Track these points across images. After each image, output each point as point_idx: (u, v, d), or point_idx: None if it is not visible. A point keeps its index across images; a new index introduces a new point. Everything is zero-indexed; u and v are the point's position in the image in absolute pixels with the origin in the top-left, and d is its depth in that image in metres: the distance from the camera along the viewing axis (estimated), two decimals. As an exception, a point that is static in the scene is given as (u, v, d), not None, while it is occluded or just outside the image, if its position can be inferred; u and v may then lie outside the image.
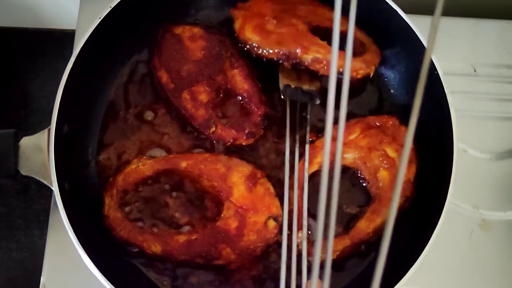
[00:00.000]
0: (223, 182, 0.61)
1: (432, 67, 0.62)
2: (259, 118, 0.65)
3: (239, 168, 0.62)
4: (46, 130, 0.57)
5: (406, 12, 0.64)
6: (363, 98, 0.70)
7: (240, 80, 0.66)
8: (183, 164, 0.62)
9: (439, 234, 0.57)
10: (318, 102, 0.66)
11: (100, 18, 0.60)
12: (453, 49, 0.78)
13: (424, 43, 0.62)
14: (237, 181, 0.62)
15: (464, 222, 0.71)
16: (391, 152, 0.64)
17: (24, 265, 0.86)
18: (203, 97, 0.64)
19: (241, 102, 0.66)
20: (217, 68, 0.65)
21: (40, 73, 0.95)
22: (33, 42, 0.96)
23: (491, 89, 0.77)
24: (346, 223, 0.64)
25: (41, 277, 0.66)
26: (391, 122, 0.65)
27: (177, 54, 0.65)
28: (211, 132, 0.64)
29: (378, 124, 0.65)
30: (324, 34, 0.64)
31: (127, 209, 0.62)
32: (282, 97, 0.66)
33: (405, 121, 0.66)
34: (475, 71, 0.78)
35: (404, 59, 0.68)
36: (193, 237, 0.60)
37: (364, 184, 0.65)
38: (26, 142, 0.57)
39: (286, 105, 0.66)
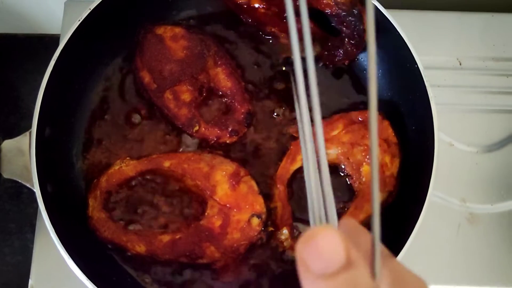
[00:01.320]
0: (207, 181, 0.62)
1: (412, 60, 0.62)
2: (242, 116, 0.65)
3: (222, 167, 0.62)
4: (27, 133, 0.58)
5: (385, 7, 0.64)
6: (344, 93, 0.70)
7: (223, 78, 0.66)
8: (166, 164, 0.62)
9: (426, 228, 0.57)
10: (320, 64, 0.68)
11: (79, 20, 0.61)
12: (438, 42, 0.78)
13: (405, 39, 0.62)
14: (220, 179, 0.62)
15: (452, 216, 0.71)
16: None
17: (17, 269, 0.86)
18: (186, 97, 0.65)
19: (224, 100, 0.67)
20: (199, 67, 0.66)
21: (30, 78, 0.95)
22: (23, 48, 0.97)
23: (477, 82, 0.77)
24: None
25: (29, 280, 0.67)
26: None
27: (159, 54, 0.66)
28: (194, 131, 0.64)
29: (360, 119, 0.65)
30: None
31: (110, 209, 0.62)
32: (284, 68, 0.67)
33: (387, 116, 0.65)
34: (460, 64, 0.78)
35: (385, 55, 0.67)
36: (177, 237, 0.60)
37: (347, 180, 0.65)
38: (7, 145, 0.58)
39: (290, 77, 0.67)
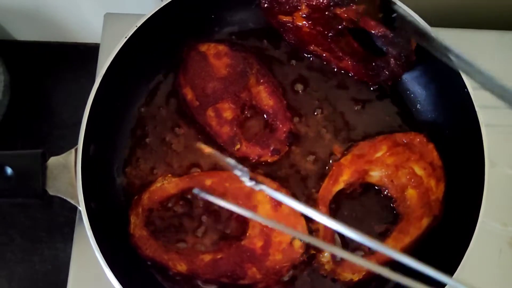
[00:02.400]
0: (248, 201, 0.61)
1: (461, 82, 0.61)
2: (284, 135, 0.65)
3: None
4: (73, 150, 0.58)
5: (432, 25, 0.62)
6: (388, 114, 0.69)
7: (265, 97, 0.65)
8: (208, 182, 0.62)
9: (468, 253, 0.56)
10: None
11: (126, 37, 0.60)
12: (482, 62, 0.76)
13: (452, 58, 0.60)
14: (262, 199, 0.61)
15: (493, 240, 0.70)
16: (418, 170, 0.63)
17: (47, 278, 0.86)
18: (228, 114, 0.64)
19: (266, 119, 0.66)
20: (241, 85, 0.65)
21: (64, 87, 0.96)
22: (57, 56, 0.97)
23: (520, 103, 0.75)
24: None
25: (66, 293, 0.67)
26: (418, 139, 0.64)
27: (202, 71, 0.65)
28: (235, 149, 0.64)
29: (405, 141, 0.64)
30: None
31: (152, 227, 0.61)
32: None
33: (432, 138, 0.64)
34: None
35: (432, 75, 0.66)
36: (219, 256, 0.59)
37: (391, 203, 0.64)
38: (53, 162, 0.58)
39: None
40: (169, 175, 0.63)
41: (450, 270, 0.55)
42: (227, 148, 0.64)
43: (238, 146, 0.64)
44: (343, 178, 0.63)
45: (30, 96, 0.95)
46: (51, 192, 0.57)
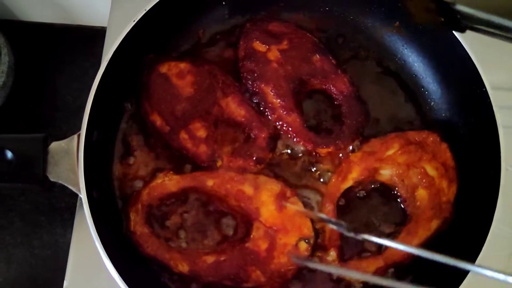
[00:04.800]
0: (251, 203, 0.59)
1: (480, 82, 0.58)
2: (264, 142, 0.62)
3: (267, 187, 0.60)
4: (75, 136, 0.56)
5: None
6: (400, 111, 0.67)
7: (235, 107, 0.62)
8: (210, 183, 0.60)
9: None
10: None
11: (134, 21, 0.59)
12: (501, 62, 0.74)
13: (472, 58, 0.58)
14: (266, 200, 0.59)
15: (503, 245, 0.68)
16: (430, 170, 0.61)
17: (46, 263, 0.85)
18: (202, 133, 0.61)
19: (242, 129, 0.63)
20: (211, 100, 0.62)
21: (68, 69, 0.93)
22: (62, 38, 0.95)
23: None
24: (379, 244, 0.61)
25: (64, 281, 0.65)
26: (431, 139, 0.62)
27: (167, 94, 0.62)
28: (218, 166, 0.61)
29: (418, 140, 0.62)
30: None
31: (153, 224, 0.60)
32: None
33: (446, 138, 0.62)
34: (524, 85, 0.74)
35: (449, 72, 0.64)
36: (222, 258, 0.58)
37: (400, 203, 0.62)
38: (55, 147, 0.56)
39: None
40: (171, 172, 0.61)
41: (460, 275, 0.54)
42: (209, 166, 0.61)
43: (220, 163, 0.61)
44: (352, 175, 0.61)
45: (34, 78, 0.93)
46: (52, 178, 0.55)
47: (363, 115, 0.64)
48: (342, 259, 0.60)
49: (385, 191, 0.63)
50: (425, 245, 0.60)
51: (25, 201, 0.87)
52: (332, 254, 0.60)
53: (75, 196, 0.68)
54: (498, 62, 0.73)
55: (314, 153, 0.63)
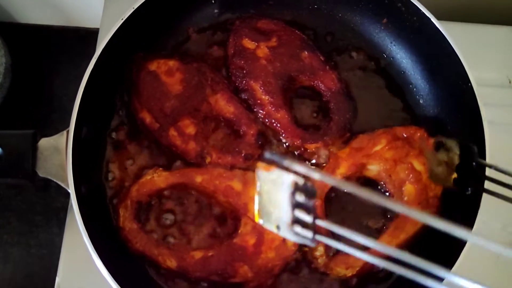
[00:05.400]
0: (239, 198, 0.59)
1: (465, 77, 0.59)
2: (253, 138, 0.62)
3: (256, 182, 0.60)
4: (64, 132, 0.57)
5: (439, 19, 0.61)
6: (388, 107, 0.67)
7: (224, 104, 0.63)
8: (198, 179, 0.60)
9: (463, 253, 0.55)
10: None
11: (122, 19, 0.60)
12: (487, 58, 0.74)
13: (458, 54, 0.59)
14: (254, 196, 0.60)
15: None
16: (418, 166, 0.61)
17: (42, 262, 0.86)
18: (191, 130, 0.61)
19: (231, 126, 0.63)
20: (200, 97, 0.62)
21: (64, 71, 0.95)
22: (58, 40, 0.96)
23: (526, 102, 0.74)
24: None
25: (56, 278, 0.66)
26: (418, 134, 0.62)
27: (156, 92, 0.62)
28: (207, 163, 0.61)
29: (405, 135, 0.63)
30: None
31: (142, 220, 0.60)
32: None
33: (434, 134, 0.63)
34: (510, 82, 0.74)
35: (436, 68, 0.65)
36: (209, 254, 0.58)
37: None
38: (44, 143, 0.57)
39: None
40: (160, 168, 0.61)
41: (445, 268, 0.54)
42: (198, 163, 0.61)
43: (208, 159, 0.61)
44: (340, 171, 0.62)
45: (31, 79, 0.94)
46: (41, 174, 0.56)
47: (351, 112, 0.64)
48: (330, 254, 0.60)
49: (373, 187, 0.63)
50: (413, 239, 0.60)
51: (22, 200, 0.88)
52: (320, 249, 0.60)
53: (69, 196, 0.68)
54: (484, 59, 0.74)
55: (302, 149, 0.63)
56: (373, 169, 0.62)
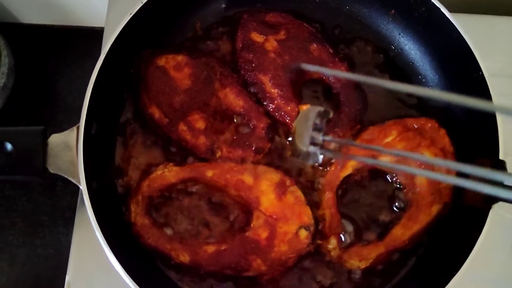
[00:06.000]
0: (251, 192, 0.59)
1: (477, 67, 0.59)
2: (263, 131, 0.62)
3: (267, 176, 0.60)
4: (74, 128, 0.56)
5: (451, 11, 0.61)
6: (398, 98, 0.67)
7: (233, 98, 0.62)
8: (209, 174, 0.60)
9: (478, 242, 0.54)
10: None
11: (131, 14, 0.59)
12: (497, 49, 0.74)
13: (469, 44, 0.59)
14: (266, 189, 0.59)
15: (506, 233, 0.68)
16: (429, 156, 0.61)
17: (49, 262, 0.85)
18: (201, 125, 0.61)
19: (241, 120, 0.63)
20: (209, 92, 0.62)
21: (68, 70, 0.94)
22: (62, 40, 0.96)
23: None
24: (381, 229, 0.61)
25: (66, 276, 0.66)
26: (429, 125, 0.62)
27: (165, 87, 0.62)
28: (217, 157, 0.61)
29: (416, 126, 0.62)
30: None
31: (154, 215, 0.60)
32: None
33: (445, 124, 0.62)
34: (520, 72, 0.74)
35: (445, 59, 0.64)
36: (222, 248, 0.58)
37: (400, 190, 0.62)
38: (54, 139, 0.56)
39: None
40: (171, 163, 0.61)
41: (460, 259, 0.53)
42: (208, 158, 0.61)
43: (219, 154, 0.61)
44: (351, 163, 0.62)
45: (34, 79, 0.94)
46: (52, 170, 0.56)
47: (361, 103, 0.64)
48: (342, 247, 0.60)
49: (385, 178, 0.63)
50: (427, 229, 0.60)
51: (27, 201, 0.87)
52: (333, 242, 0.60)
53: (76, 195, 0.68)
54: (495, 49, 0.73)
55: None
56: (388, 158, 0.62)
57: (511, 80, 0.72)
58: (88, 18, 0.93)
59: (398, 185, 0.63)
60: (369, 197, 0.62)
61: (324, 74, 0.65)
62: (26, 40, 0.95)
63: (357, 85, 0.65)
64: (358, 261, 0.59)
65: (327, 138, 0.51)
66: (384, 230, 0.61)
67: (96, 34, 0.94)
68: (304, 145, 0.50)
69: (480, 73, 0.58)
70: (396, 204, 0.62)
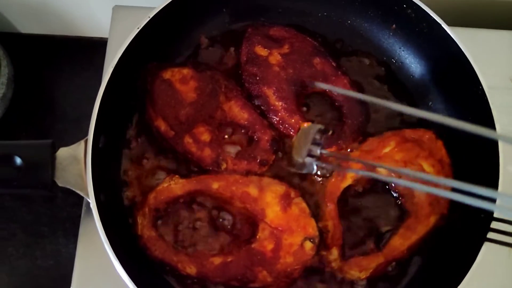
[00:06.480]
0: (256, 204, 0.60)
1: (476, 81, 0.60)
2: (267, 144, 0.63)
3: (272, 188, 0.61)
4: (82, 141, 0.57)
5: (448, 24, 0.62)
6: (397, 111, 0.68)
7: (238, 111, 0.63)
8: (215, 186, 0.61)
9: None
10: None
11: (138, 28, 0.60)
12: (491, 62, 0.76)
13: (468, 56, 0.60)
14: (271, 201, 0.60)
15: (504, 240, 0.69)
16: (427, 167, 0.62)
17: (49, 274, 0.85)
18: (206, 137, 0.62)
19: (246, 132, 0.64)
20: (214, 105, 0.63)
21: (67, 81, 0.95)
22: (61, 50, 0.96)
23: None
24: (379, 239, 0.62)
25: (71, 287, 0.66)
26: (427, 136, 0.64)
27: (171, 100, 0.63)
28: (222, 169, 0.62)
29: (414, 137, 0.64)
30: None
31: (160, 228, 0.60)
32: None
33: (442, 135, 0.64)
34: (515, 84, 0.76)
35: (445, 72, 0.66)
36: (229, 259, 0.58)
37: (398, 200, 0.64)
38: (62, 153, 0.57)
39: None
40: (177, 176, 0.62)
41: (460, 272, 0.55)
42: (214, 169, 0.62)
43: (224, 166, 0.62)
44: (351, 174, 0.63)
45: (34, 89, 0.94)
46: (60, 183, 0.56)
47: (363, 115, 0.65)
48: (344, 258, 0.61)
49: (384, 189, 0.64)
50: (424, 240, 0.62)
51: (27, 212, 0.87)
52: (334, 253, 0.61)
53: (77, 206, 0.68)
54: (490, 63, 0.75)
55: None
56: (383, 171, 0.63)
57: (500, 92, 0.74)
58: (88, 28, 0.94)
59: (397, 195, 0.64)
60: (369, 207, 0.63)
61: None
62: (26, 50, 0.95)
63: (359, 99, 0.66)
64: (358, 271, 0.60)
65: (325, 152, 0.54)
66: (383, 240, 0.62)
67: (96, 44, 0.95)
68: (300, 157, 0.53)
69: (480, 87, 0.60)
70: (395, 214, 0.63)
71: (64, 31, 0.96)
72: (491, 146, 0.59)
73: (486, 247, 0.57)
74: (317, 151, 0.53)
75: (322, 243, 0.61)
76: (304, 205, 0.61)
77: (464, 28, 0.75)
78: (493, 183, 0.57)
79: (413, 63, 0.69)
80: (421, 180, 0.59)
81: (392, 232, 0.62)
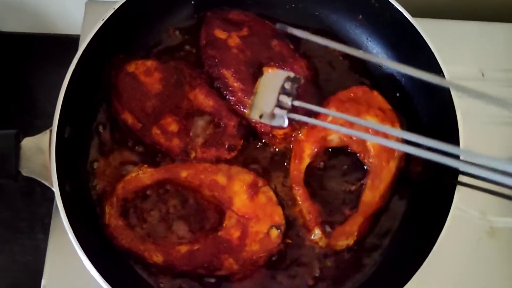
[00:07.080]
0: (224, 192, 0.61)
1: (438, 69, 0.61)
2: (234, 129, 0.63)
3: (240, 177, 0.61)
4: (47, 131, 0.57)
5: (413, 16, 0.63)
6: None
7: (203, 99, 0.64)
8: (184, 174, 0.61)
9: (444, 240, 0.56)
10: None
11: (103, 20, 0.61)
12: (460, 53, 0.76)
13: (430, 45, 0.61)
14: (238, 190, 0.61)
15: (471, 229, 0.70)
16: (371, 118, 0.63)
17: (27, 269, 0.85)
18: (173, 127, 0.63)
19: (212, 119, 0.64)
20: (180, 95, 0.64)
21: (46, 78, 0.95)
22: (39, 47, 0.97)
23: (500, 94, 0.75)
24: (352, 202, 0.63)
25: (42, 280, 0.66)
26: (361, 91, 0.65)
27: (136, 92, 0.63)
28: (192, 158, 0.63)
29: (350, 96, 0.64)
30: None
31: (127, 216, 0.60)
32: None
33: (375, 86, 0.65)
34: (483, 75, 0.76)
35: (410, 62, 0.66)
36: (195, 247, 0.59)
37: (358, 158, 0.64)
38: (27, 143, 0.57)
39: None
40: (145, 165, 0.62)
41: (422, 256, 0.55)
42: (183, 159, 0.63)
43: (193, 154, 0.63)
44: (307, 153, 0.63)
45: (11, 87, 0.94)
46: (25, 173, 0.56)
47: (316, 99, 0.65)
48: (327, 233, 0.61)
49: (340, 152, 0.65)
50: (393, 186, 0.63)
51: (6, 208, 0.87)
52: (317, 232, 0.61)
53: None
54: (457, 54, 0.76)
55: (271, 135, 0.64)
56: (334, 138, 0.64)
57: (474, 83, 0.74)
58: (65, 26, 0.94)
59: (354, 155, 0.65)
60: (334, 177, 0.64)
61: (284, 68, 0.66)
62: (3, 48, 0.96)
63: (316, 82, 0.67)
64: (345, 239, 0.61)
65: (297, 103, 0.51)
66: (355, 201, 0.63)
67: (73, 41, 0.94)
68: (267, 107, 0.50)
69: (442, 75, 0.60)
70: (358, 172, 0.64)
71: (42, 29, 0.96)
72: (454, 134, 0.60)
73: (449, 233, 0.58)
74: (288, 102, 0.50)
75: (301, 227, 0.62)
76: (271, 193, 0.61)
77: (430, 19, 0.76)
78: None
79: (380, 53, 0.70)
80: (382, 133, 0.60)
81: (361, 188, 0.63)
